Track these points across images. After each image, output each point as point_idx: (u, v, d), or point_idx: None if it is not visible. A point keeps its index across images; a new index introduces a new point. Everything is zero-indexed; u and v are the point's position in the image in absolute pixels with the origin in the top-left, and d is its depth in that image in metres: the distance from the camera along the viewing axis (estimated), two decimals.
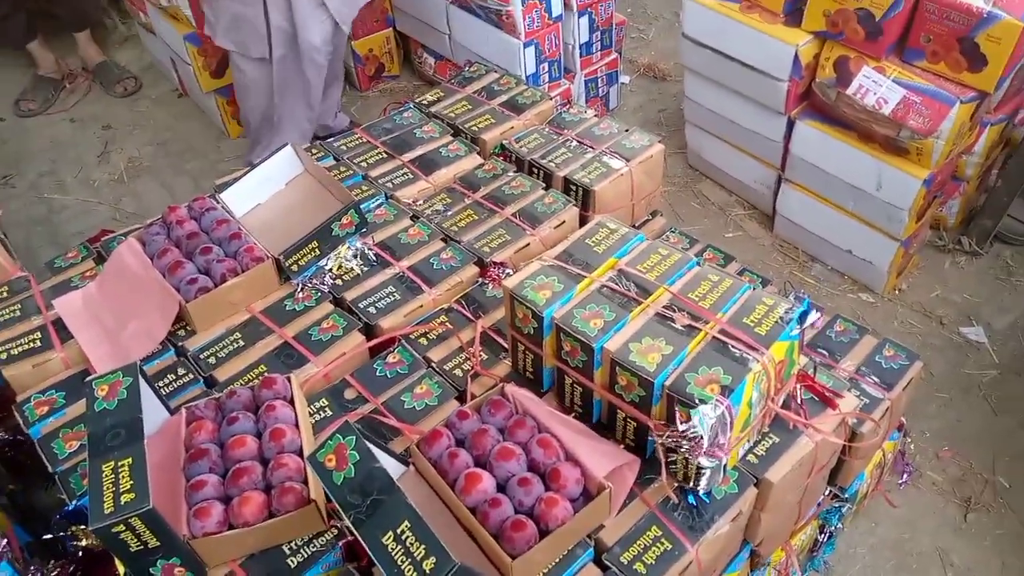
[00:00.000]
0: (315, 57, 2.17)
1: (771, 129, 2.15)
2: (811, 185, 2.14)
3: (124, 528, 0.93)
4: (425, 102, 1.94)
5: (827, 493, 1.46)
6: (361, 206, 1.54)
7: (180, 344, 1.35)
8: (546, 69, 2.39)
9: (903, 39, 1.86)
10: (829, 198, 2.12)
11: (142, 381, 1.06)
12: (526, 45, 2.30)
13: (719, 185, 2.48)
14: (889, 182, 1.96)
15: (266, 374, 1.23)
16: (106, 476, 0.95)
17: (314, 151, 1.81)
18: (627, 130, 1.80)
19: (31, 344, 1.33)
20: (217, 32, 2.16)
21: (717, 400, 1.03)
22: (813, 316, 1.17)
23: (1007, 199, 2.16)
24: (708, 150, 2.43)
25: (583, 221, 1.66)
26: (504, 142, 1.80)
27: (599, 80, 2.59)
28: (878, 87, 1.88)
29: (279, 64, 2.18)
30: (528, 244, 1.56)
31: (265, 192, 1.61)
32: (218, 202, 1.53)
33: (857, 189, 2.03)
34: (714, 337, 1.12)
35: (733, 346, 1.10)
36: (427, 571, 0.86)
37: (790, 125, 2.10)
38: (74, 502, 1.13)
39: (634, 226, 1.80)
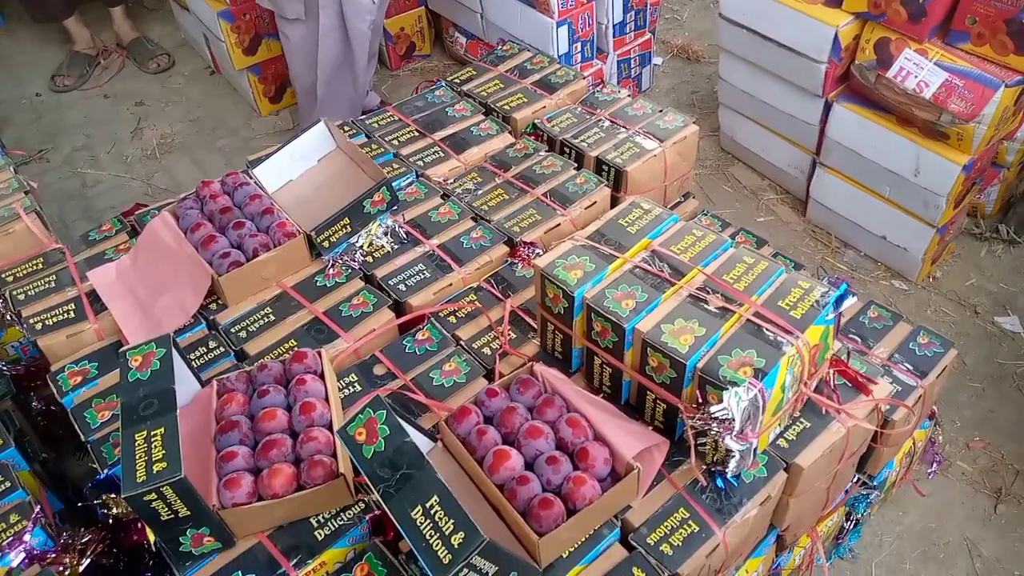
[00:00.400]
0: (359, 25, 2.16)
1: (807, 112, 2.11)
2: (846, 170, 2.10)
3: (156, 497, 0.94)
4: (457, 81, 1.93)
5: (855, 480, 1.45)
6: (392, 184, 1.54)
7: (212, 318, 1.36)
8: (579, 49, 2.36)
9: (947, 21, 1.82)
10: (865, 183, 2.08)
11: (175, 353, 1.07)
12: (559, 24, 2.27)
13: (751, 169, 2.45)
14: (927, 167, 1.92)
15: (297, 348, 1.23)
16: (139, 445, 0.96)
17: (346, 128, 1.80)
18: (661, 111, 1.78)
19: (65, 315, 1.35)
20: None
21: (750, 383, 1.02)
22: (849, 300, 1.16)
23: None
24: (741, 133, 2.40)
25: (615, 202, 1.65)
26: (536, 121, 1.78)
27: (632, 61, 2.56)
28: (920, 70, 1.84)
29: (325, 39, 2.17)
30: (559, 224, 1.55)
31: (298, 169, 1.61)
32: (251, 177, 1.54)
33: (894, 174, 1.99)
34: (748, 320, 1.11)
35: (768, 329, 1.09)
36: (456, 546, 0.86)
37: (827, 108, 2.06)
38: (106, 471, 1.14)
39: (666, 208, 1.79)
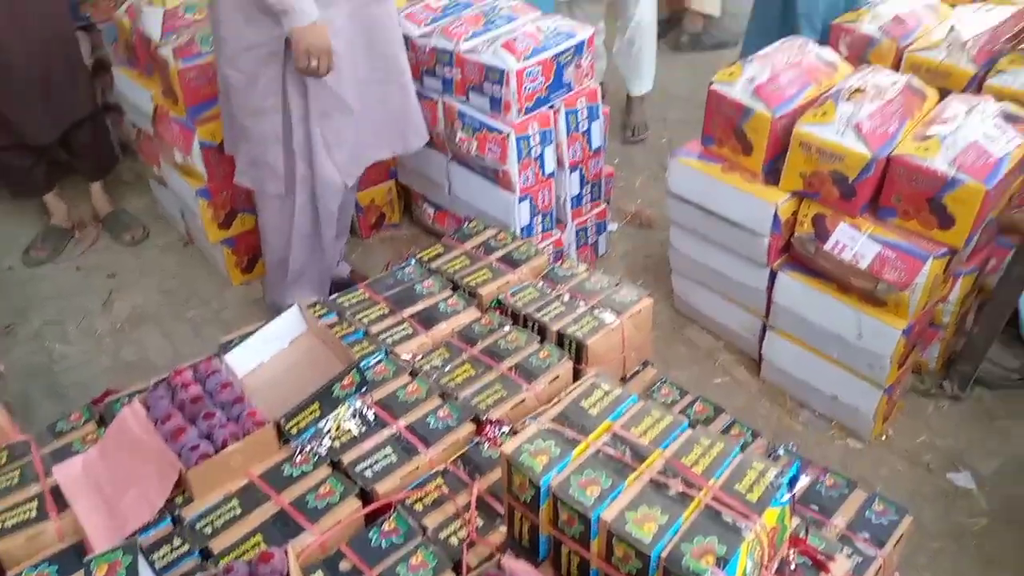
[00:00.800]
0: (329, 205, 2.27)
1: (755, 279, 2.24)
2: (795, 332, 2.21)
3: None
4: (426, 258, 2.03)
5: None
6: (362, 364, 1.59)
7: (177, 512, 1.36)
8: (539, 221, 2.51)
9: (876, 198, 1.98)
10: (813, 345, 2.19)
11: (141, 560, 1.07)
12: (521, 200, 2.42)
13: (706, 330, 2.55)
14: (869, 332, 2.03)
15: (263, 547, 1.23)
16: None
17: (317, 307, 1.87)
18: (617, 284, 1.88)
19: (26, 515, 1.33)
20: (239, 172, 2.28)
21: (712, 572, 1.05)
22: (803, 480, 1.20)
23: (984, 345, 2.22)
24: (694, 297, 2.52)
25: (577, 374, 1.71)
26: (500, 296, 1.87)
27: (589, 229, 2.71)
28: (854, 243, 1.98)
29: (300, 215, 2.28)
30: (524, 400, 1.60)
31: (269, 350, 1.66)
32: (222, 363, 1.58)
33: (839, 337, 2.09)
34: (708, 504, 1.14)
35: (727, 514, 1.12)
36: None
37: (772, 276, 2.19)
38: None
39: (625, 377, 1.85)
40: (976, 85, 2.16)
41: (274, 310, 2.21)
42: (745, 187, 2.11)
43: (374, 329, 1.79)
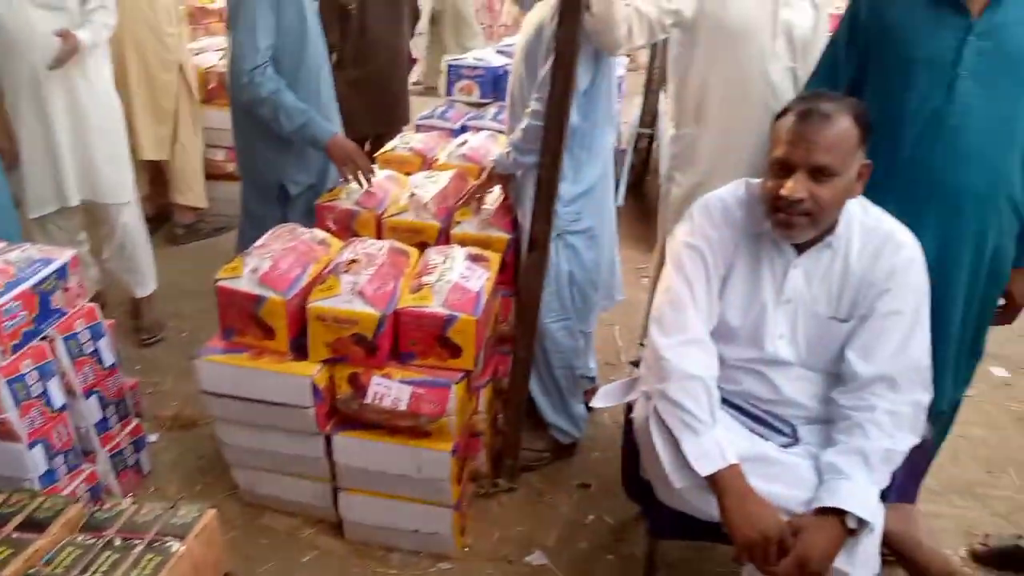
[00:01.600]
0: None
1: (312, 449, 2.29)
2: (364, 486, 2.31)
3: None
4: None
5: None
6: None
7: None
8: (62, 462, 2.21)
9: (395, 348, 2.21)
10: (383, 491, 2.31)
11: None
12: (31, 446, 2.11)
13: (281, 512, 2.50)
14: (425, 463, 2.22)
15: None
16: None
17: None
18: (172, 506, 1.76)
19: None
20: None
21: None
22: None
23: (515, 437, 2.60)
24: (260, 484, 2.47)
25: None
26: (31, 573, 1.60)
27: (125, 451, 2.48)
28: (390, 390, 2.17)
29: None
30: None
31: None
32: None
33: (403, 476, 2.25)
34: None
35: None
36: None
37: (328, 441, 2.27)
38: None
39: None
40: (444, 236, 2.59)
41: None
42: (277, 368, 2.17)
43: None
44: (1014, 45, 1.88)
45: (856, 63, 2.07)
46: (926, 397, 1.74)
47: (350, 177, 2.65)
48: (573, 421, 2.78)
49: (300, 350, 2.20)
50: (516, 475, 2.66)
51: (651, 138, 5.18)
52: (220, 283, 2.15)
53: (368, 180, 2.66)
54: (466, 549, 2.42)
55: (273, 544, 2.40)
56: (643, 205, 4.96)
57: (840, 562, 1.60)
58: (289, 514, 2.50)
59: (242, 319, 2.16)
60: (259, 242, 2.29)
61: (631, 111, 5.27)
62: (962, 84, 1.89)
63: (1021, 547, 2.37)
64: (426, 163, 3.09)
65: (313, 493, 2.41)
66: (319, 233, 2.40)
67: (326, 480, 2.37)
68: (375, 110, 4.16)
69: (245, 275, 2.13)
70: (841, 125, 1.65)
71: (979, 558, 2.42)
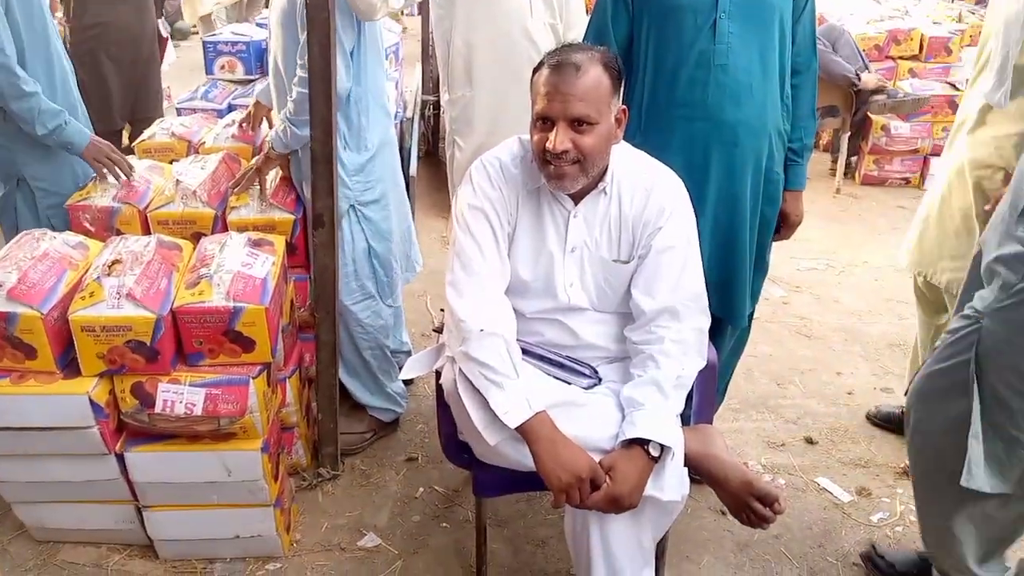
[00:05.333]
0: None
1: (104, 471, 2.09)
2: (171, 500, 2.15)
3: None
4: None
5: None
6: None
7: None
8: None
9: (180, 350, 2.05)
10: (193, 503, 2.16)
11: None
12: None
13: (82, 544, 2.28)
14: (235, 465, 2.10)
15: None
16: None
17: None
18: None
19: None
20: None
21: None
22: None
23: (332, 424, 2.52)
24: (51, 517, 2.23)
25: None
26: None
27: None
28: (180, 396, 2.02)
29: None
30: None
31: None
32: None
33: (212, 483, 2.11)
34: None
35: None
36: None
37: (121, 459, 2.08)
38: None
39: None
40: (222, 224, 2.42)
41: None
42: (46, 390, 1.95)
43: None
44: None
45: (627, 16, 2.16)
46: (706, 322, 1.86)
47: (106, 173, 2.41)
48: (390, 398, 2.74)
49: (71, 367, 1.99)
50: (339, 461, 2.59)
51: (437, 104, 5.15)
52: None
53: (128, 175, 2.43)
54: (295, 545, 2.33)
55: None
56: (439, 173, 4.95)
57: (650, 489, 1.68)
58: (92, 544, 2.29)
59: None
60: None
61: (413, 79, 5.21)
62: (721, 24, 2.02)
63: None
64: (192, 148, 2.87)
65: (115, 517, 2.21)
66: (72, 236, 2.16)
67: (127, 502, 2.18)
68: (119, 99, 3.86)
69: None
70: (592, 74, 1.70)
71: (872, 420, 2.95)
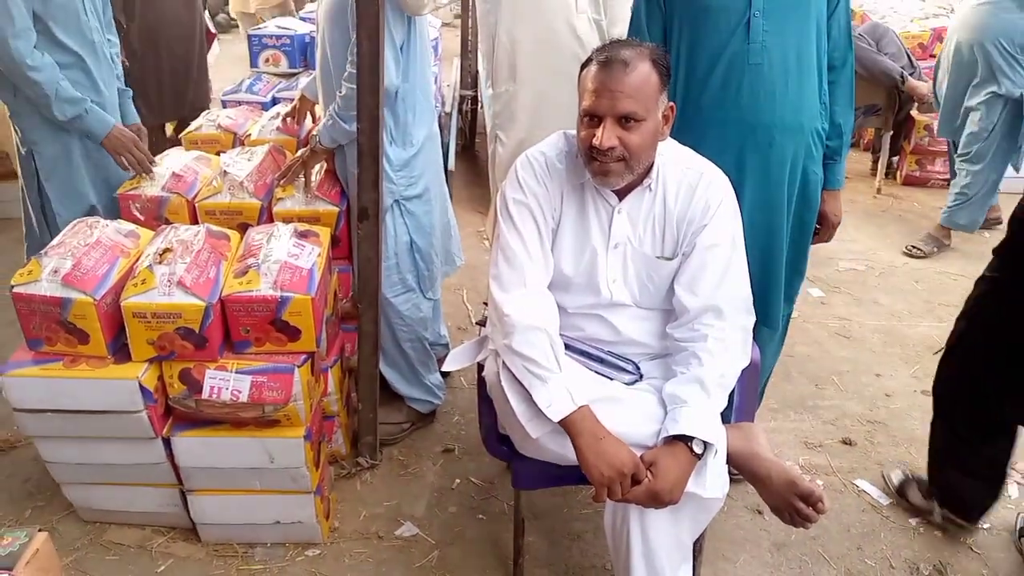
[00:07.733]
0: None
1: (151, 455, 2.14)
2: (214, 485, 2.19)
3: None
4: None
5: None
6: None
7: None
8: None
9: (227, 338, 2.09)
10: (236, 488, 2.20)
11: None
12: None
13: (127, 525, 2.34)
14: (278, 452, 2.13)
15: None
16: None
17: None
18: None
19: None
20: None
21: None
22: None
23: (372, 414, 2.55)
24: (97, 500, 2.29)
25: None
26: None
27: None
28: (227, 383, 2.05)
29: None
30: None
31: None
32: None
33: (255, 470, 2.15)
34: None
35: None
36: None
37: (168, 444, 2.13)
38: None
39: None
40: (267, 215, 2.46)
41: None
42: (98, 374, 2.00)
43: None
44: None
45: (660, 18, 2.15)
46: (750, 320, 1.85)
47: (126, 165, 2.45)
48: (428, 390, 2.76)
49: (122, 352, 2.03)
50: (377, 451, 2.61)
51: (475, 100, 5.17)
52: (16, 290, 1.94)
53: (148, 172, 2.47)
54: (334, 532, 2.36)
55: (123, 559, 2.24)
56: (476, 168, 4.96)
57: (691, 486, 1.68)
58: (137, 526, 2.34)
59: (50, 326, 1.96)
60: (54, 241, 2.09)
61: (451, 73, 5.22)
62: (755, 24, 2.00)
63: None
64: (238, 140, 2.91)
65: (159, 500, 2.26)
66: (124, 225, 2.21)
67: (172, 485, 2.22)
68: (172, 93, 3.93)
69: (44, 278, 1.93)
70: (641, 71, 1.70)
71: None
